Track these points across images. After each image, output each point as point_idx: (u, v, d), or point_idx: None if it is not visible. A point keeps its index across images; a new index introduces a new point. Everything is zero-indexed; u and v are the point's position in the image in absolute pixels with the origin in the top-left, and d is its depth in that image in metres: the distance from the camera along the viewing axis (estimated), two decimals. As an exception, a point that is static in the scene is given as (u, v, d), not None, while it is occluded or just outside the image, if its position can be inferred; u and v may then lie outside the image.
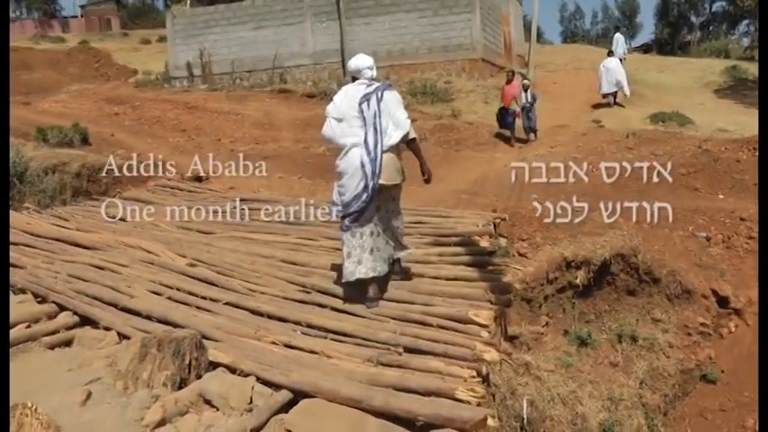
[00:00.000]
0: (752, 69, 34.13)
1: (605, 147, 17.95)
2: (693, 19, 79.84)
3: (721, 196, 13.12)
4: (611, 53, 28.98)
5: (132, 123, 22.74)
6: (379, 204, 7.45)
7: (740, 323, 10.11)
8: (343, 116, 7.43)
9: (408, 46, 30.11)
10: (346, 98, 7.51)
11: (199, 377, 5.48)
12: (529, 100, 21.68)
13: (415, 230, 10.26)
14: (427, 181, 7.81)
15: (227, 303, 7.29)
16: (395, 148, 7.39)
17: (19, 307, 7.10)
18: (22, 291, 7.54)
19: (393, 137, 7.32)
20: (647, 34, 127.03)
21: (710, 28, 77.24)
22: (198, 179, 15.07)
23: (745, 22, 63.30)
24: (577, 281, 9.64)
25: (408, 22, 30.29)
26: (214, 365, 5.69)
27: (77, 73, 34.21)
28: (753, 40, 57.72)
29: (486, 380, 5.49)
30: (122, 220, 11.03)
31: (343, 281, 7.39)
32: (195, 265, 8.66)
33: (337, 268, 7.85)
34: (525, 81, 22.74)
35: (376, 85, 7.57)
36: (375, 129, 7.29)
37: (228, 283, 7.88)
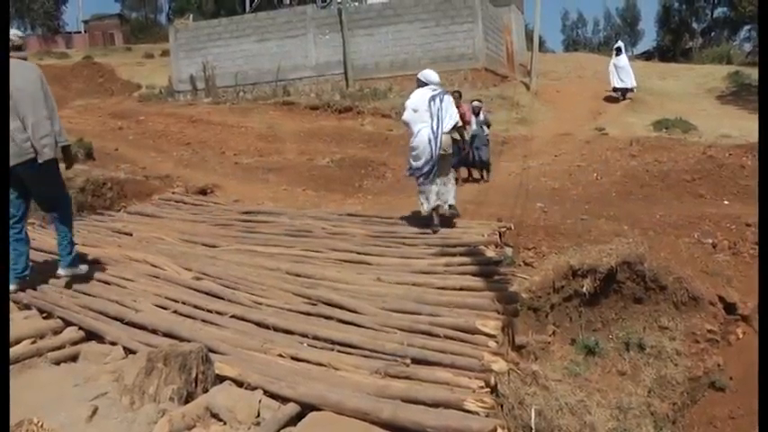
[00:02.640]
0: (754, 75, 34.10)
1: (609, 154, 17.98)
2: (695, 25, 79.82)
3: (726, 202, 13.12)
4: (619, 51, 29.36)
5: (136, 137, 22.76)
6: (439, 166, 10.97)
7: (748, 330, 10.08)
8: (417, 108, 11.10)
9: (411, 56, 30.19)
10: (419, 97, 11.21)
11: (206, 391, 5.45)
12: (481, 126, 17.45)
13: (422, 241, 10.27)
14: (464, 150, 13.59)
15: (233, 316, 7.27)
16: (448, 131, 11.03)
17: (24, 322, 7.08)
18: (27, 306, 7.53)
19: (448, 124, 10.99)
20: (648, 41, 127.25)
21: (712, 34, 77.21)
22: (203, 192, 15.08)
23: (747, 27, 63.34)
24: (584, 289, 9.64)
25: (410, 32, 30.41)
26: (221, 379, 5.67)
27: (81, 88, 34.33)
28: (754, 45, 57.79)
29: (494, 390, 5.46)
30: (127, 234, 11.01)
31: (423, 214, 11.18)
32: (201, 278, 8.64)
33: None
34: (476, 102, 18.01)
35: (439, 90, 11.30)
36: (438, 118, 10.93)
37: (234, 295, 7.86)
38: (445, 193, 11.17)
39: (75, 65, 40.12)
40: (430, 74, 11.56)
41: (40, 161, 7.51)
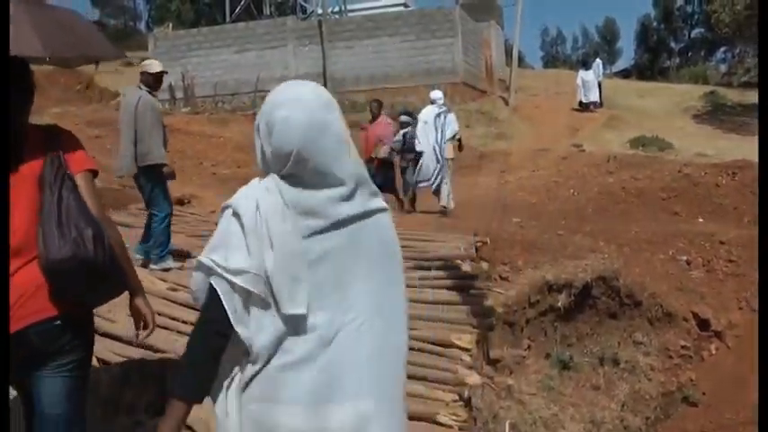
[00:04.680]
0: (730, 95, 34.51)
1: (586, 171, 18.08)
2: (673, 45, 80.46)
3: (701, 220, 13.24)
4: (586, 66, 29.97)
5: (114, 146, 22.64)
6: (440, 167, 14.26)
7: (721, 346, 10.15)
8: (426, 121, 14.54)
9: (391, 70, 30.26)
10: (428, 113, 14.73)
11: (180, 402, 5.45)
12: (408, 141, 15.16)
13: (398, 254, 10.25)
14: (461, 150, 15.50)
15: (208, 327, 7.26)
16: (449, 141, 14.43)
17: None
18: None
19: (449, 135, 14.48)
20: (627, 59, 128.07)
21: (689, 54, 77.78)
22: (180, 202, 15.03)
23: (723, 48, 63.80)
24: (559, 304, 9.67)
25: (391, 46, 30.47)
26: (196, 390, 5.67)
27: (59, 96, 34.10)
28: (730, 66, 58.23)
29: (468, 403, 5.48)
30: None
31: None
32: (176, 289, 8.62)
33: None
34: (404, 117, 15.89)
35: (444, 108, 14.89)
36: (442, 131, 14.41)
37: (210, 306, 7.84)
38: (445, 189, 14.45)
39: (53, 72, 39.84)
40: (437, 94, 15.23)
41: None
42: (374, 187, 2.74)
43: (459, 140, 15.18)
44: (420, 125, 14.65)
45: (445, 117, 14.56)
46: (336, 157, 2.58)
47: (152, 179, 9.37)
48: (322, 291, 2.56)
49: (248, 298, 2.54)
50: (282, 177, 2.58)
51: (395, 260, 2.78)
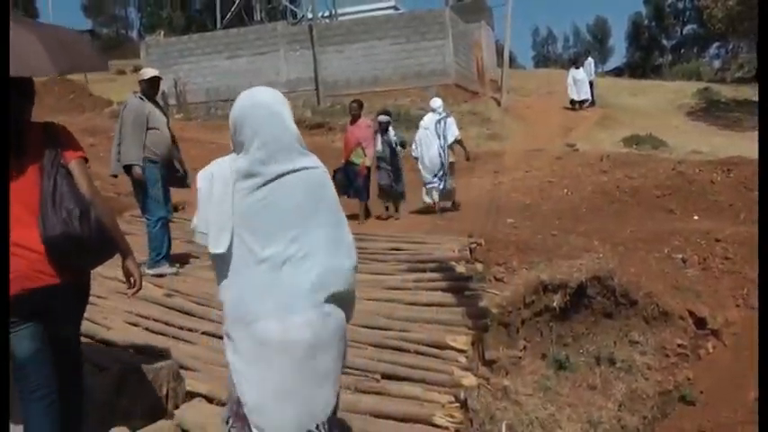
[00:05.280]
0: (723, 91, 34.54)
1: (580, 170, 18.08)
2: (665, 42, 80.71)
3: (696, 218, 13.22)
4: (577, 65, 30.14)
5: (107, 154, 22.50)
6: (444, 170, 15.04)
7: (718, 344, 10.13)
8: (427, 128, 15.22)
9: (382, 73, 30.30)
10: (429, 120, 15.35)
11: (176, 407, 5.44)
12: (390, 146, 15.44)
13: (392, 257, 10.28)
14: (468, 159, 16.52)
15: (204, 333, 7.26)
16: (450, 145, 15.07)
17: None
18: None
19: (450, 139, 15.11)
20: (619, 58, 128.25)
21: (682, 51, 78.01)
22: (174, 209, 15.00)
23: (716, 44, 64.05)
24: (554, 304, 9.65)
25: (381, 49, 30.50)
26: (192, 396, 5.66)
27: (53, 104, 34.06)
28: (723, 62, 58.37)
29: (464, 405, 5.48)
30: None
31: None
32: (172, 295, 8.63)
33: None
34: (382, 116, 15.70)
35: (444, 114, 15.41)
36: (443, 136, 15.02)
37: (205, 312, 7.84)
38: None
39: (47, 81, 39.79)
40: (437, 103, 15.67)
41: None
42: (304, 149, 3.69)
43: (462, 144, 15.99)
44: (421, 132, 15.40)
45: (445, 122, 15.14)
46: (279, 134, 3.62)
47: (136, 182, 9.63)
48: (269, 231, 3.50)
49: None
50: (239, 154, 3.61)
51: (325, 203, 3.67)
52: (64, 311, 4.31)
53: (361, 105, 15.36)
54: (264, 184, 3.52)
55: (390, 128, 15.58)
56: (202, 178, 3.65)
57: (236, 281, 3.56)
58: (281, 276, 3.49)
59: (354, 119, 15.12)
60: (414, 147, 15.63)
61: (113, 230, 4.44)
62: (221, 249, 3.52)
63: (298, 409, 3.51)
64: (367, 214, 15.21)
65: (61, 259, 4.08)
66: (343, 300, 3.67)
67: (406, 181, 15.76)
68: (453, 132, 15.24)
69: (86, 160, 4.43)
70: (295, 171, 3.58)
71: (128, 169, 9.52)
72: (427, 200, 15.49)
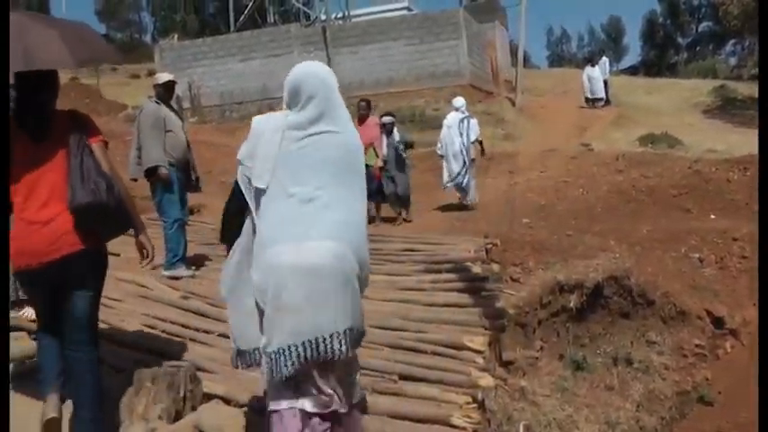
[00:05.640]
0: (740, 89, 34.32)
1: (596, 170, 17.99)
2: (680, 40, 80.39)
3: (713, 217, 13.15)
4: (592, 63, 30.13)
5: (123, 158, 22.62)
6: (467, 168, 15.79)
7: (736, 344, 10.08)
8: (450, 126, 15.89)
9: (396, 74, 30.33)
10: (452, 118, 16.04)
11: (194, 409, 5.44)
12: (395, 148, 14.97)
13: (408, 258, 10.26)
14: (483, 154, 17.19)
15: (221, 335, 7.26)
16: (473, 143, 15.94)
17: (13, 344, 7.05)
18: (18, 328, 7.50)
19: (473, 137, 15.93)
20: (633, 56, 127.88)
21: (697, 48, 77.69)
22: (189, 212, 15.03)
23: (732, 41, 63.71)
24: (571, 304, 9.61)
25: (395, 50, 30.50)
26: (209, 397, 5.66)
27: (68, 108, 34.22)
28: (740, 59, 58.10)
29: (481, 406, 5.47)
30: (115, 254, 10.95)
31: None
32: (188, 297, 8.64)
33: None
34: (386, 117, 15.22)
35: (467, 114, 16.27)
36: (466, 135, 15.78)
37: (222, 314, 7.83)
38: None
39: (62, 87, 39.93)
40: (460, 101, 16.39)
41: None
42: (348, 118, 4.43)
43: (481, 144, 16.67)
44: (444, 130, 16.10)
45: (468, 122, 15.98)
46: (329, 99, 4.31)
47: (155, 184, 9.60)
48: (300, 173, 4.09)
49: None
50: (296, 112, 4.23)
51: (354, 168, 4.30)
52: (80, 278, 4.82)
53: (369, 105, 15.03)
54: (307, 137, 4.15)
55: (395, 129, 15.09)
56: (258, 122, 4.33)
57: (267, 211, 4.13)
58: (303, 211, 4.04)
59: (363, 119, 14.29)
60: (438, 145, 16.36)
61: (130, 206, 5.02)
62: (263, 185, 4.11)
63: (300, 323, 3.97)
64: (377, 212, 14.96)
65: (87, 226, 4.65)
66: (358, 250, 4.19)
67: (411, 183, 15.51)
68: (476, 131, 16.09)
69: (107, 144, 5.01)
70: (336, 133, 4.22)
71: (150, 172, 9.50)
72: (457, 193, 16.30)
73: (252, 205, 4.23)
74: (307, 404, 4.08)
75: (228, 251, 4.50)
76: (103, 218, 4.69)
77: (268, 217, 4.11)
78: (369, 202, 12.76)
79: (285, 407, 4.09)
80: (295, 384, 4.08)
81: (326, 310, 3.97)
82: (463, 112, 16.19)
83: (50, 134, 4.71)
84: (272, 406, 4.16)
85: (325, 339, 3.95)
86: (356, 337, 4.18)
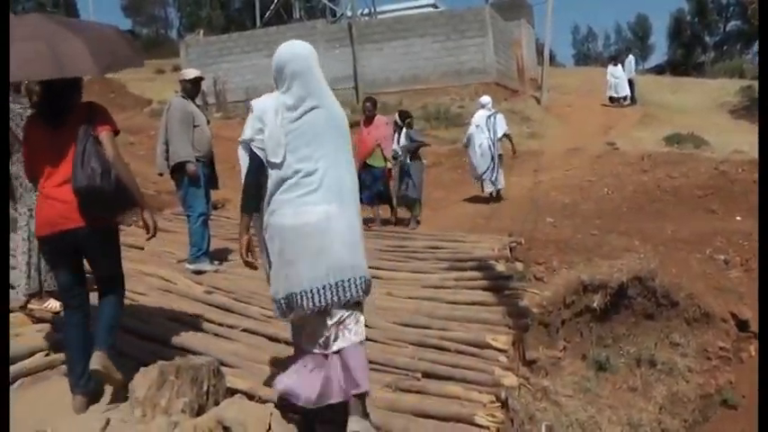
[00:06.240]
0: (767, 90, 33.95)
1: (620, 169, 17.94)
2: (707, 39, 79.78)
3: (739, 218, 13.06)
4: (616, 63, 30.21)
5: (148, 153, 22.66)
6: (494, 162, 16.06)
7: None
8: (478, 125, 16.21)
9: (421, 71, 30.22)
10: (480, 116, 16.35)
11: (217, 404, 5.45)
12: (408, 147, 13.90)
13: (432, 255, 10.27)
14: (514, 152, 17.48)
15: (244, 330, 7.28)
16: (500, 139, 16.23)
17: (37, 335, 7.09)
18: (41, 320, 7.54)
19: (500, 133, 16.26)
20: (660, 55, 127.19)
21: (725, 48, 77.12)
22: (213, 207, 15.04)
23: (760, 41, 63.17)
24: (594, 305, 9.59)
25: (421, 46, 30.40)
26: (232, 392, 5.67)
27: (93, 102, 34.35)
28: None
29: (505, 405, 5.45)
30: (139, 248, 10.99)
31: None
32: (212, 292, 8.66)
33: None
34: (397, 117, 14.30)
35: (493, 111, 16.64)
36: (493, 131, 16.11)
37: (246, 309, 7.86)
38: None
39: (87, 82, 39.90)
40: (486, 100, 16.86)
41: None
42: (324, 90, 4.93)
43: (510, 139, 17.13)
44: (472, 128, 16.47)
45: (495, 118, 16.37)
46: (312, 75, 4.87)
47: (181, 179, 9.60)
48: (301, 150, 4.73)
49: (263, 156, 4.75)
50: (282, 93, 4.85)
51: (336, 131, 4.88)
52: (92, 249, 5.53)
53: (375, 104, 13.84)
54: (301, 117, 4.77)
55: (405, 129, 13.95)
56: (257, 104, 4.90)
57: (274, 182, 4.77)
58: (305, 181, 4.72)
59: (370, 119, 13.50)
60: (465, 141, 16.73)
61: (132, 187, 5.52)
62: (278, 159, 4.70)
63: (300, 275, 4.69)
64: (396, 217, 14.22)
65: (87, 207, 5.26)
66: (351, 206, 4.87)
67: (424, 184, 14.41)
68: (503, 127, 16.50)
69: (116, 133, 5.59)
70: (322, 108, 4.83)
71: (177, 168, 9.55)
72: (488, 188, 16.43)
73: (269, 186, 4.80)
74: (309, 346, 4.87)
75: (247, 221, 4.91)
76: (101, 200, 5.28)
77: (276, 186, 4.75)
78: (368, 205, 12.84)
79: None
80: (299, 328, 4.96)
81: (320, 264, 4.65)
82: (489, 110, 16.49)
83: (67, 123, 5.35)
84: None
85: (319, 290, 4.66)
86: (359, 284, 4.76)
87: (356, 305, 4.82)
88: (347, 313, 4.75)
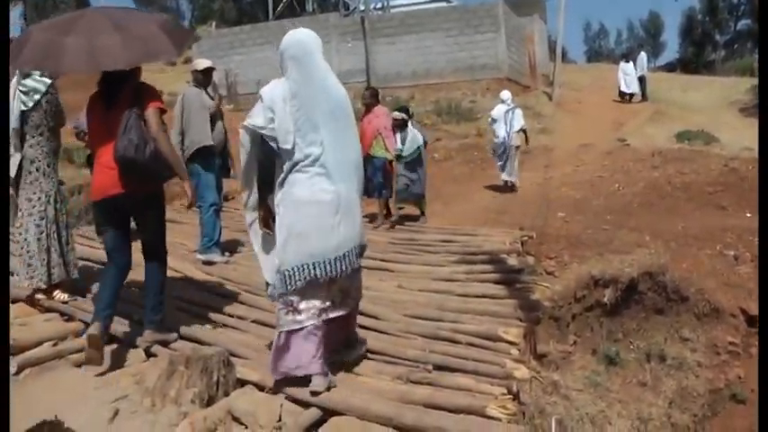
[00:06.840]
0: (778, 88, 33.87)
1: (631, 165, 17.93)
2: (718, 37, 79.53)
3: (749, 215, 13.01)
4: (627, 59, 30.29)
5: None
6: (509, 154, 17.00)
7: (770, 342, 9.98)
8: (498, 119, 17.29)
9: (433, 66, 30.21)
10: (499, 110, 17.33)
11: (227, 394, 5.46)
12: (408, 143, 13.37)
13: (444, 248, 10.29)
14: (527, 143, 18.10)
15: (254, 321, 7.29)
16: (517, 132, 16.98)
17: (46, 325, 7.12)
18: (49, 310, 7.56)
19: (517, 127, 17.01)
20: (671, 53, 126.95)
21: (735, 46, 76.87)
22: (225, 198, 15.07)
23: (771, 39, 62.96)
24: (605, 299, 9.58)
25: (433, 41, 30.38)
26: (242, 383, 5.68)
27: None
28: (779, 58, 57.43)
29: (516, 397, 5.45)
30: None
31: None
32: (223, 283, 8.67)
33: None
34: (397, 113, 13.61)
35: (513, 105, 17.42)
36: (511, 124, 16.96)
37: (256, 301, 7.87)
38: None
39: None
40: (507, 95, 17.76)
41: None
42: (324, 70, 5.40)
43: (525, 133, 17.78)
44: (490, 121, 18.01)
45: (513, 113, 17.26)
46: (311, 59, 5.35)
47: (196, 168, 9.67)
48: (309, 136, 5.17)
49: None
50: (286, 79, 5.31)
51: (339, 110, 5.32)
52: (136, 213, 6.47)
53: (374, 94, 13.57)
54: (305, 103, 5.19)
55: (410, 125, 13.47)
56: (265, 92, 5.35)
57: (288, 163, 5.25)
58: (316, 161, 5.19)
59: (369, 108, 13.20)
60: (490, 121, 18.18)
61: (172, 160, 6.33)
62: (289, 146, 5.15)
63: (311, 247, 5.21)
64: (387, 213, 13.48)
65: (126, 175, 6.05)
66: (357, 182, 5.46)
67: (425, 179, 13.76)
68: (520, 122, 17.34)
69: (164, 111, 6.36)
70: (323, 89, 5.28)
71: (193, 156, 9.73)
72: (505, 177, 17.43)
73: (281, 171, 5.32)
74: (307, 319, 5.33)
75: (248, 195, 5.61)
76: (136, 169, 6.04)
77: (290, 168, 5.23)
78: (371, 199, 12.53)
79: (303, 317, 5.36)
80: (304, 294, 5.32)
81: (332, 239, 5.23)
82: (509, 105, 17.41)
83: (119, 102, 6.17)
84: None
85: (331, 262, 5.23)
86: (357, 252, 5.51)
87: (357, 271, 5.64)
88: (349, 282, 5.54)
